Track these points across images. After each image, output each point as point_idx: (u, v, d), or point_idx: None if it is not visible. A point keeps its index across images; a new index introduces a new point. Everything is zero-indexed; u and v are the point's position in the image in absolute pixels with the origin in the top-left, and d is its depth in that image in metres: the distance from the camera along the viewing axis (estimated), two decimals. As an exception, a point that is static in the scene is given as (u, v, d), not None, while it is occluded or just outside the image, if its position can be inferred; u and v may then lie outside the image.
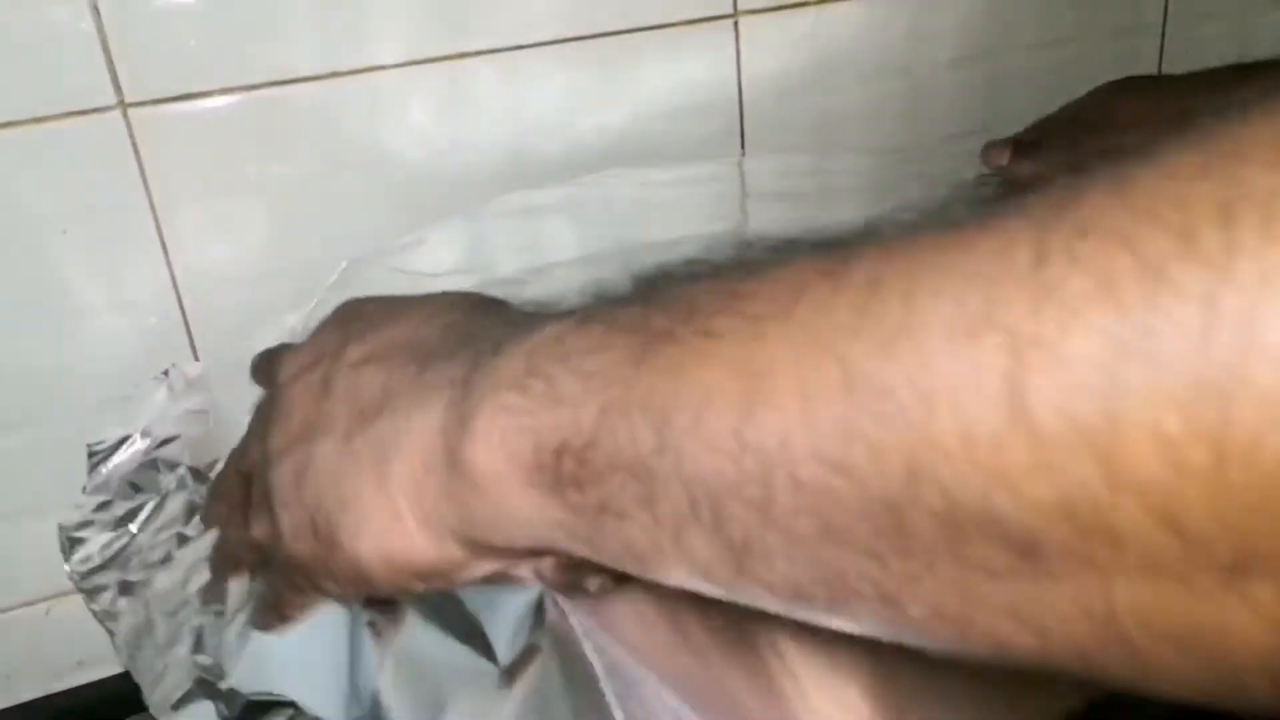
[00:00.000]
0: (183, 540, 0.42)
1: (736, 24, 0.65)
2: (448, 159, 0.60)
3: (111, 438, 0.48)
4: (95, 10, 0.50)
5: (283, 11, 0.54)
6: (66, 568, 0.45)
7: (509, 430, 0.24)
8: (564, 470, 0.23)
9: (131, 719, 0.54)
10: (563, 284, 0.46)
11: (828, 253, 0.21)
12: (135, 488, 0.46)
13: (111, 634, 0.42)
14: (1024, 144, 0.61)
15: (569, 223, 0.54)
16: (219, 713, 0.36)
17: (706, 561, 0.22)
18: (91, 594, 0.43)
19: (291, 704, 0.35)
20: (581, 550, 0.24)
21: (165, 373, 0.52)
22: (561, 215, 0.55)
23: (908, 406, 0.18)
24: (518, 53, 0.60)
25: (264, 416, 0.32)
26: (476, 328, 0.29)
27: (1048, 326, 0.16)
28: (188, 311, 0.57)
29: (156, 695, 0.38)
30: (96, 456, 0.47)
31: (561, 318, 0.25)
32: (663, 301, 0.23)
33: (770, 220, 0.52)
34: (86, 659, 0.60)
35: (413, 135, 0.59)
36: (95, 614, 0.44)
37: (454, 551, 0.26)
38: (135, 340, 0.55)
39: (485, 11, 0.58)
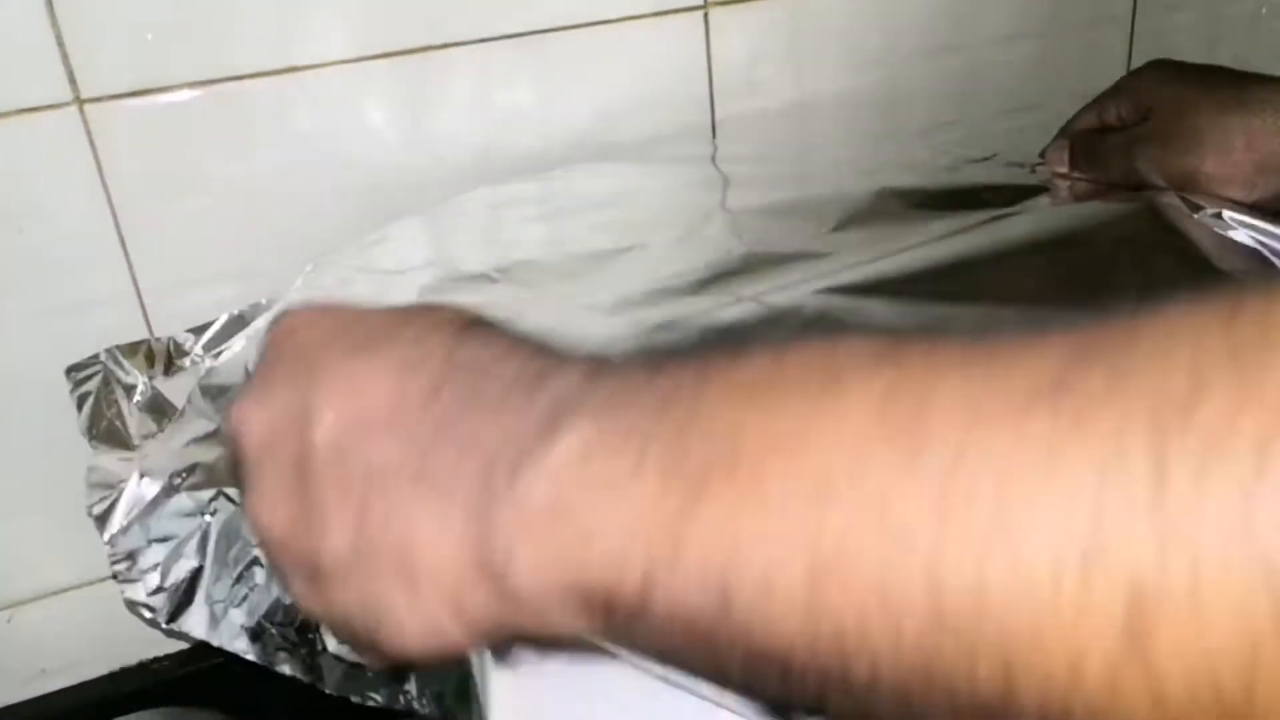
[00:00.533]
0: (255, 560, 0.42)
1: (706, 15, 0.64)
2: (414, 156, 0.59)
3: (105, 493, 0.46)
4: (49, 5, 0.49)
5: (242, 5, 0.52)
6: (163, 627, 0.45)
7: (552, 568, 0.22)
8: (616, 620, 0.21)
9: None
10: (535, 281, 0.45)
11: (893, 399, 0.19)
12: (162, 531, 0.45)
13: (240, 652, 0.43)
14: (1079, 142, 0.60)
15: (538, 218, 0.53)
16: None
17: (773, 698, 0.21)
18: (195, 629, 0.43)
19: None
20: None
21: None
22: (530, 209, 0.54)
23: (1002, 618, 0.17)
24: (484, 46, 0.59)
25: (248, 488, 0.28)
26: (471, 408, 0.24)
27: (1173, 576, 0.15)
28: (149, 312, 0.55)
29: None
30: (105, 517, 0.45)
31: (577, 416, 0.22)
32: (701, 426, 0.21)
33: (744, 209, 0.51)
34: (50, 667, 0.59)
35: (377, 132, 0.58)
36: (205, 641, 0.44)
37: (502, 637, 0.25)
38: (95, 342, 0.53)
39: (452, 5, 0.57)
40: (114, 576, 0.45)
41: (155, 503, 0.44)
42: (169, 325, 0.55)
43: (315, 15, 0.54)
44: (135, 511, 0.44)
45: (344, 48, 0.55)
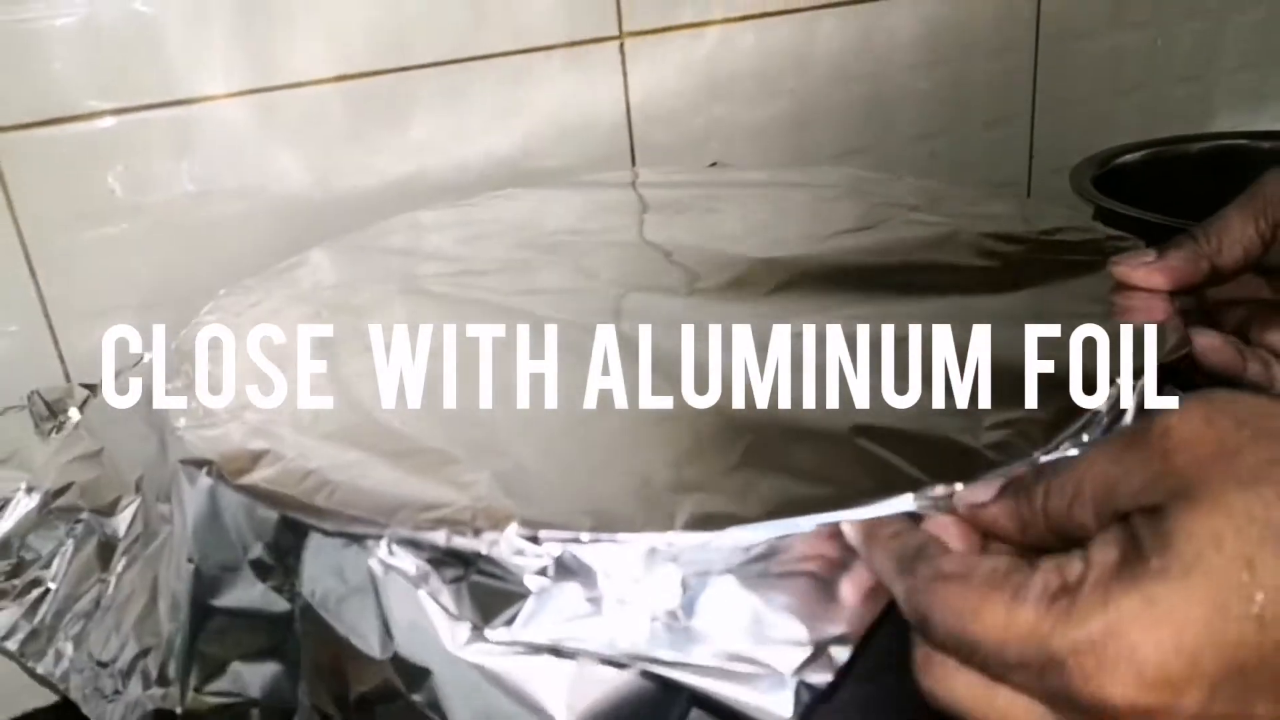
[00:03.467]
0: (104, 584, 0.41)
1: (622, 46, 0.65)
2: (332, 185, 0.59)
3: None
4: (-46, 35, 0.49)
5: (153, 34, 0.53)
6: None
7: None
8: None
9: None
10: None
11: None
12: (33, 547, 0.44)
13: (65, 690, 0.41)
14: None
15: (459, 240, 0.54)
16: None
17: None
18: (32, 659, 0.42)
19: (253, 700, 0.34)
20: None
21: (28, 398, 0.50)
22: (451, 233, 0.55)
23: None
24: (403, 75, 0.59)
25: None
26: None
27: None
28: (61, 344, 0.55)
29: None
30: None
31: None
32: None
33: (665, 232, 0.52)
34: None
35: (296, 160, 0.58)
36: (42, 677, 0.42)
37: None
38: (3, 373, 0.53)
39: (372, 36, 0.58)
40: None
41: (29, 517, 0.44)
42: (81, 357, 0.55)
43: (235, 44, 0.55)
44: (10, 524, 0.44)
45: (263, 77, 0.56)
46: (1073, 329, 0.36)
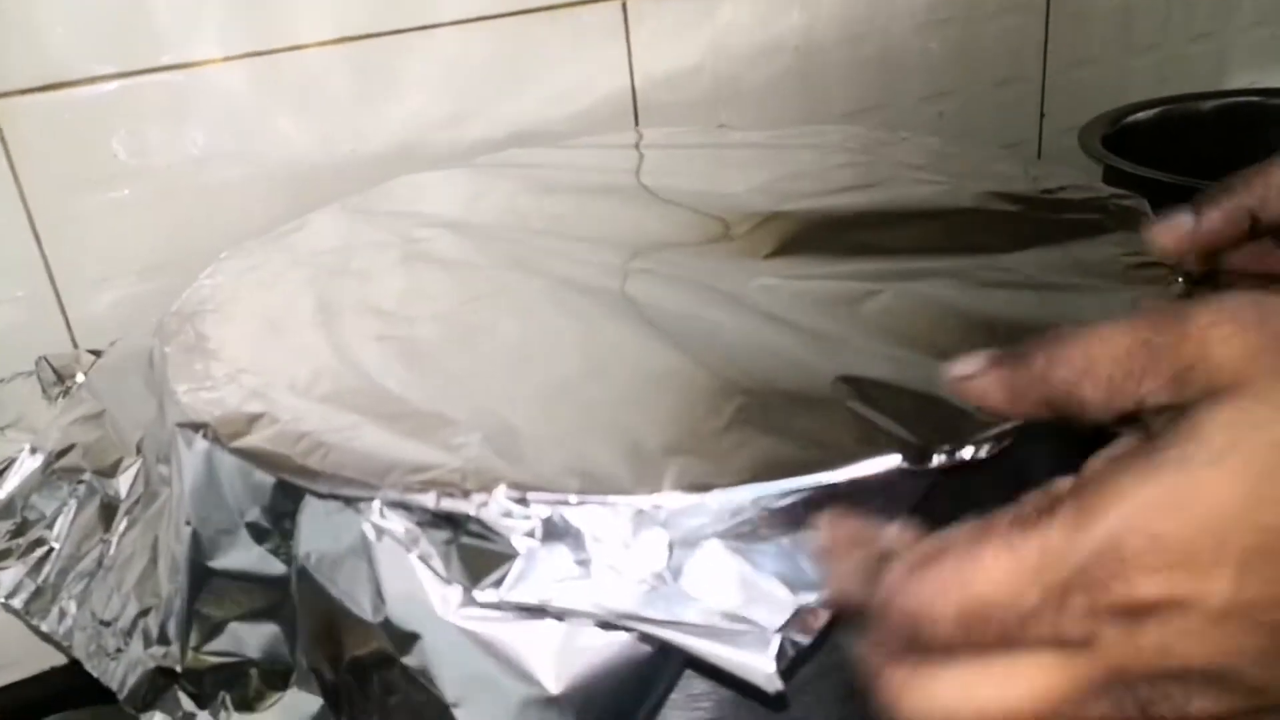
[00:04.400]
0: (106, 545, 0.41)
1: (625, 6, 0.65)
2: (333, 148, 0.59)
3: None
4: (-46, 0, 0.49)
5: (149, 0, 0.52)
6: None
7: None
8: None
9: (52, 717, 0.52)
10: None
11: None
12: (37, 507, 0.45)
13: (69, 648, 0.41)
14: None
15: (459, 202, 0.53)
16: (187, 691, 0.36)
17: None
18: (37, 617, 0.42)
19: (251, 660, 0.35)
20: None
21: (36, 363, 0.50)
22: (451, 195, 0.55)
23: None
24: (403, 37, 0.59)
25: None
26: None
27: None
28: (67, 309, 0.55)
29: (126, 697, 0.38)
30: None
31: None
32: None
33: (668, 190, 0.52)
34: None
35: (297, 124, 0.58)
36: (46, 636, 0.43)
37: None
38: (11, 339, 0.53)
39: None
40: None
41: (33, 477, 0.44)
42: (87, 321, 0.55)
43: (237, 5, 0.54)
44: (15, 484, 0.44)
45: (268, 38, 0.55)
46: (1074, 290, 0.36)
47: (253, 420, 0.34)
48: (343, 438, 0.32)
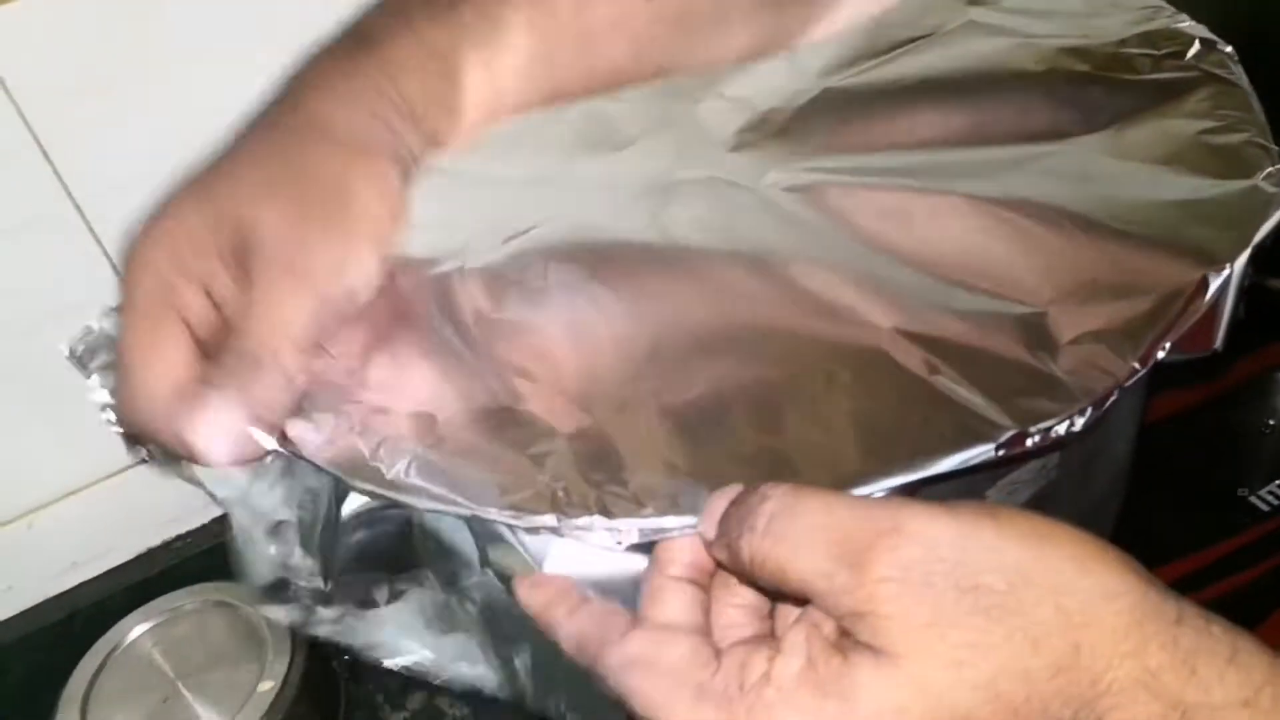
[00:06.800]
0: None
1: None
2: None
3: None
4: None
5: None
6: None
7: None
8: None
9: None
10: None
11: None
12: None
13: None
14: None
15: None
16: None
17: None
18: None
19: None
20: None
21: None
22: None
23: None
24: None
25: None
26: None
27: None
28: (91, 220, 0.53)
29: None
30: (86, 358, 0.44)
31: None
32: None
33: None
34: (80, 560, 0.62)
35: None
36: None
37: None
38: (40, 260, 0.52)
39: None
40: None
41: None
42: (119, 231, 0.54)
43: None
44: None
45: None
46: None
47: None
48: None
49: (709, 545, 0.26)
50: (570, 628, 0.28)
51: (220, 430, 0.30)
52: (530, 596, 0.29)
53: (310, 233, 0.31)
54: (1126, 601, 0.23)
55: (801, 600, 0.25)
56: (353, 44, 0.35)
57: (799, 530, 0.24)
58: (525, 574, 0.31)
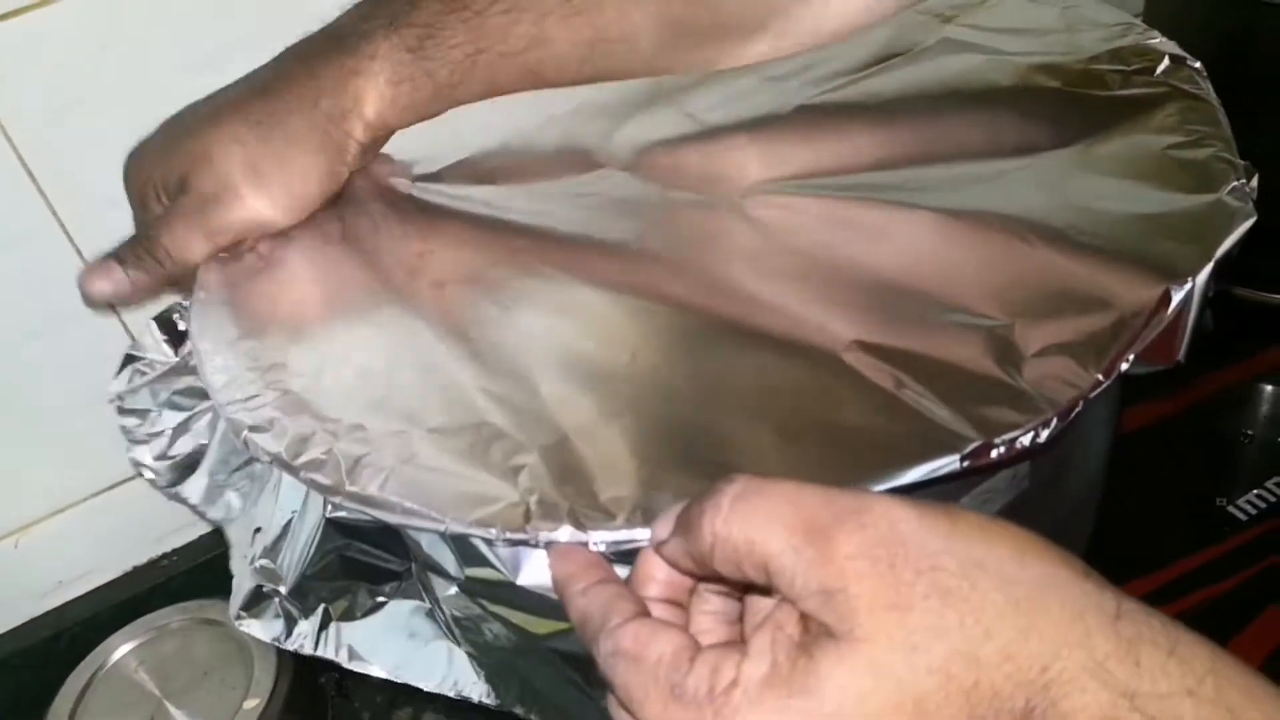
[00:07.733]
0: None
1: None
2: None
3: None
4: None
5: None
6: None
7: None
8: None
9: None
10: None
11: None
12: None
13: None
14: None
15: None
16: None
17: None
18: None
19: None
20: None
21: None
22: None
23: None
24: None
25: None
26: None
27: None
28: (75, 237, 0.54)
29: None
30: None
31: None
32: None
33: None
34: (66, 578, 0.62)
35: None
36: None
37: None
38: (25, 278, 0.53)
39: None
40: (122, 431, 0.45)
41: (171, 371, 0.44)
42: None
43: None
44: (149, 375, 0.44)
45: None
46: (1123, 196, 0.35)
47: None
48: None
49: (660, 546, 0.27)
50: (579, 604, 0.28)
51: (97, 275, 0.45)
52: (556, 565, 0.29)
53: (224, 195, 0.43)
54: (1067, 593, 0.23)
55: (760, 589, 0.25)
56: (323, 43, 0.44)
57: (765, 507, 0.24)
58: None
